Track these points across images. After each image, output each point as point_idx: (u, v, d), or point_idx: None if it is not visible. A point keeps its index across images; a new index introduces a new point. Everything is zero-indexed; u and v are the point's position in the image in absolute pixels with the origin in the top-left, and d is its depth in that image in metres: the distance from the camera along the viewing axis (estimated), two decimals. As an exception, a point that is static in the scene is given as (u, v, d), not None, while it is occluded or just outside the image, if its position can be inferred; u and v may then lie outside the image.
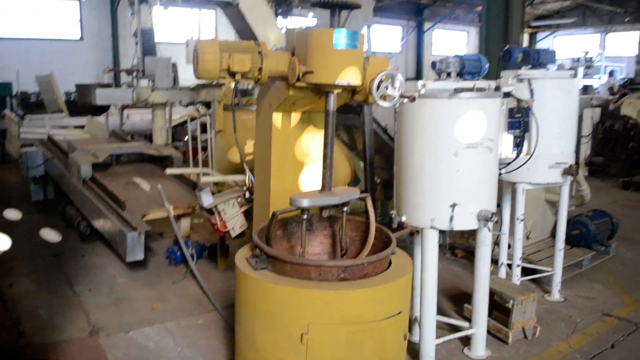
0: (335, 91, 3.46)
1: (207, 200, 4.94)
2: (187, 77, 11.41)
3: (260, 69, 3.49)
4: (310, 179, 4.09)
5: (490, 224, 4.01)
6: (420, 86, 3.87)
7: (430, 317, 4.11)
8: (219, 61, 3.39)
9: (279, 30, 7.46)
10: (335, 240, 3.89)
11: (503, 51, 5.14)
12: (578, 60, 27.93)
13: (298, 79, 3.41)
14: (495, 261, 5.85)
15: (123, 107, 11.19)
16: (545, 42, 38.70)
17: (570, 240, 6.76)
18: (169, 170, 6.56)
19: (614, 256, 6.95)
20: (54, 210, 8.23)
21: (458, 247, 6.85)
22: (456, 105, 3.80)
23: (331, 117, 3.48)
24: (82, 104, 11.00)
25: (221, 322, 4.89)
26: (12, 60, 18.93)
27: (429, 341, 4.14)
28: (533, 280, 5.93)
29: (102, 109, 11.59)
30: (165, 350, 4.45)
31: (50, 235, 7.30)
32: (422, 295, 4.15)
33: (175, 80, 10.18)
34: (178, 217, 6.22)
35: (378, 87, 3.37)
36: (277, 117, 3.89)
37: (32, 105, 17.06)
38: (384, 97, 3.43)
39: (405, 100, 3.41)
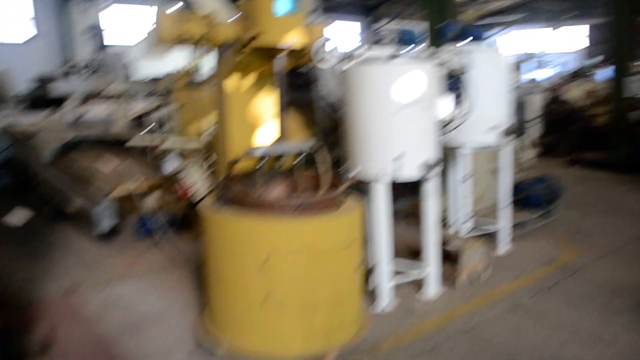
0: (281, 53, 3.81)
1: (171, 166, 5.17)
2: (142, 73, 11.57)
3: (211, 36, 3.87)
4: (266, 136, 4.40)
5: (432, 173, 4.38)
6: (360, 53, 4.22)
7: (384, 260, 4.46)
8: (175, 28, 3.76)
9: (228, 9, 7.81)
10: (294, 191, 4.19)
11: (440, 28, 5.56)
12: (526, 56, 29.11)
13: (247, 44, 3.75)
14: (445, 225, 6.30)
15: (80, 100, 11.23)
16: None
17: (517, 203, 7.25)
18: (131, 142, 6.73)
19: (558, 218, 7.46)
20: (21, 194, 8.30)
21: (414, 215, 7.25)
22: (392, 69, 4.18)
23: (280, 77, 3.85)
24: (39, 97, 11.02)
25: (189, 280, 5.14)
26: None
27: (385, 283, 4.50)
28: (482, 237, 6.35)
29: (59, 103, 11.61)
30: (138, 303, 4.68)
31: (19, 216, 7.40)
32: (376, 241, 4.49)
33: (128, 76, 10.37)
34: (144, 193, 6.42)
35: (318, 50, 3.76)
36: (232, 81, 4.21)
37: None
38: (322, 61, 3.84)
39: (343, 63, 3.81)
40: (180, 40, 3.83)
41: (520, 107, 14.21)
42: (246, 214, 3.45)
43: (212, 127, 4.99)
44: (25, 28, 21.48)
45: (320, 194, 3.74)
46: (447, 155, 6.23)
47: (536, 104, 13.46)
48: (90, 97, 10.03)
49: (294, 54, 3.94)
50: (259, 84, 4.38)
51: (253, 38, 3.72)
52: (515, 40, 33.57)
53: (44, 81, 10.64)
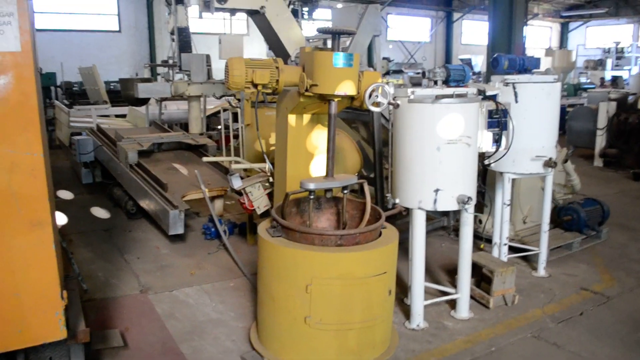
0: (336, 99, 4.37)
1: (236, 183, 5.86)
2: (219, 67, 12.41)
3: (277, 81, 4.44)
4: (319, 167, 4.98)
5: (467, 207, 4.82)
6: (409, 93, 4.69)
7: (418, 282, 4.96)
8: (245, 75, 4.35)
9: (301, 34, 8.44)
10: (339, 217, 4.76)
11: (492, 59, 5.90)
12: (608, 50, 28.10)
13: (306, 90, 4.32)
14: (490, 241, 6.69)
15: (162, 99, 12.19)
16: (577, 32, 38.67)
17: (563, 226, 7.52)
18: (206, 159, 7.53)
19: (606, 240, 7.64)
20: (103, 192, 9.30)
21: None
22: (437, 109, 4.63)
23: (332, 119, 4.39)
24: (124, 96, 12.04)
25: (249, 286, 5.83)
26: (56, 52, 20.18)
27: (418, 302, 5.01)
28: (524, 258, 6.70)
29: (142, 100, 12.64)
30: (203, 305, 5.41)
31: (100, 212, 8.39)
32: (411, 263, 5.00)
33: (209, 73, 11.08)
34: (213, 198, 7.18)
35: (370, 95, 4.25)
36: (291, 118, 4.81)
37: (76, 94, 18.44)
38: (375, 104, 4.34)
39: (391, 106, 4.28)
40: (249, 86, 4.41)
41: (587, 116, 13.99)
42: (295, 243, 4.04)
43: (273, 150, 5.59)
44: (110, 22, 22.99)
45: (360, 228, 4.28)
46: (493, 179, 6.61)
47: (607, 112, 13.24)
48: (171, 96, 10.87)
49: (348, 98, 4.47)
50: (316, 122, 4.97)
51: (313, 85, 4.27)
52: (596, 36, 32.41)
53: (128, 82, 11.61)
